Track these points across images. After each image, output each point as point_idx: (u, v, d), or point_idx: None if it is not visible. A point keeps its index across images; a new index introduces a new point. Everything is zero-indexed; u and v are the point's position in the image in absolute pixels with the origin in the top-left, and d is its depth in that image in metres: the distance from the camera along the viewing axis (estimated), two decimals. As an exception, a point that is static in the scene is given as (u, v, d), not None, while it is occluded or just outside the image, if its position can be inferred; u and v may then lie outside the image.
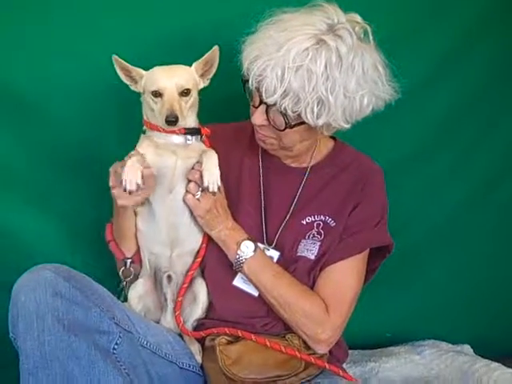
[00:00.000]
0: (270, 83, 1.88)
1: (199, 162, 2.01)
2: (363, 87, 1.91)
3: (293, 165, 2.20)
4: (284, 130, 1.97)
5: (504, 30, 2.61)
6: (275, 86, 1.88)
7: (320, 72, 1.86)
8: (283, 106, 1.90)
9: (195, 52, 2.07)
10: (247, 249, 2.06)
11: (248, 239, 2.07)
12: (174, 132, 2.02)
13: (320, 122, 1.92)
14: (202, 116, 2.12)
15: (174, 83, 1.96)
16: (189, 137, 2.05)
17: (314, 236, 2.12)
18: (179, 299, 2.10)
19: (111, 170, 1.98)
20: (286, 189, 2.18)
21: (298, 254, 2.11)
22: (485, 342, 2.80)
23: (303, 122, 1.95)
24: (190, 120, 2.06)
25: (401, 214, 2.39)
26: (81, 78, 2.37)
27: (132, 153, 2.00)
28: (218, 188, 1.98)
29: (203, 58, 2.03)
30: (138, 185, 1.89)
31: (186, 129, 2.04)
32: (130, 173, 1.89)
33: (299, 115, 1.92)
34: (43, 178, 2.46)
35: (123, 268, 2.15)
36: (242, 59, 1.98)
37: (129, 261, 2.15)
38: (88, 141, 2.45)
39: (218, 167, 1.99)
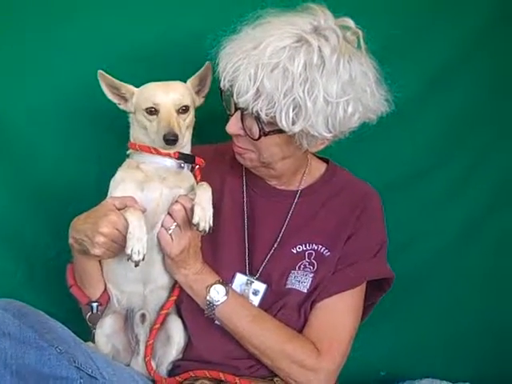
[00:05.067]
0: (242, 82, 1.75)
1: (185, 195, 1.86)
2: (348, 93, 1.76)
3: (280, 187, 2.05)
4: (259, 138, 1.81)
5: (504, 41, 2.51)
6: (247, 86, 1.74)
7: (297, 72, 1.72)
8: (255, 108, 1.75)
9: (182, 66, 2.02)
10: (217, 294, 1.90)
11: (218, 283, 1.91)
12: (167, 155, 1.87)
13: (296, 128, 1.75)
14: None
15: (170, 99, 1.84)
16: (182, 163, 1.90)
17: (305, 267, 1.97)
18: (150, 342, 1.95)
19: (109, 217, 1.80)
20: (273, 213, 2.04)
21: (288, 286, 1.97)
22: (486, 379, 2.63)
23: (280, 131, 1.79)
24: (187, 143, 1.93)
25: (393, 240, 2.23)
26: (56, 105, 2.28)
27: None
28: (209, 228, 1.80)
29: (197, 74, 1.93)
30: (144, 255, 1.76)
31: (180, 153, 1.88)
32: (138, 242, 1.75)
33: (274, 120, 1.76)
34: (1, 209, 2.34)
35: (90, 313, 1.98)
36: (218, 61, 1.84)
37: (95, 304, 1.97)
38: (51, 174, 2.34)
39: (211, 204, 1.83)
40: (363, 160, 2.39)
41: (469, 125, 2.55)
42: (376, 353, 2.59)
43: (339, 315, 1.95)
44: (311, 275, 1.95)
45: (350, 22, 1.83)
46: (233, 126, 1.86)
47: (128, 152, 1.93)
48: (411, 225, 2.57)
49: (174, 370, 1.98)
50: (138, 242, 1.74)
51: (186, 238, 1.86)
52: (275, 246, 1.99)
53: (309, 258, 1.97)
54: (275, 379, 1.91)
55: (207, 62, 1.91)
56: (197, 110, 1.95)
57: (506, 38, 2.51)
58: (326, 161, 2.12)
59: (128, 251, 1.73)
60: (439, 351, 2.65)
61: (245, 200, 2.05)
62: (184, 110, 1.85)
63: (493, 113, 2.55)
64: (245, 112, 1.80)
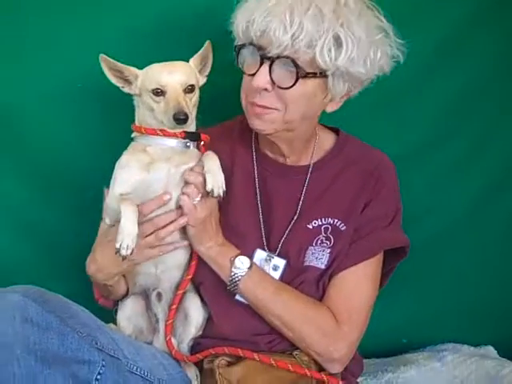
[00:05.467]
0: (278, 26, 1.73)
1: (198, 165, 1.85)
2: (374, 34, 1.81)
3: (291, 164, 2.02)
4: (294, 83, 1.77)
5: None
6: (284, 29, 1.72)
7: (330, 11, 1.74)
8: (294, 49, 1.74)
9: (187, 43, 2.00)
10: (242, 264, 1.88)
11: (241, 254, 1.90)
12: (174, 135, 1.85)
13: (339, 62, 1.75)
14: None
15: (176, 79, 1.81)
16: (188, 142, 1.88)
17: (322, 242, 1.95)
18: (169, 322, 1.94)
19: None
20: (286, 190, 2.01)
21: (306, 263, 1.95)
22: (508, 342, 2.63)
23: (315, 74, 1.78)
24: (192, 122, 1.89)
25: (411, 210, 2.24)
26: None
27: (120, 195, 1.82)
28: (223, 192, 1.82)
29: (198, 53, 1.91)
30: (133, 250, 1.74)
31: (186, 132, 1.86)
32: (128, 237, 1.73)
33: (311, 62, 1.76)
34: (19, 198, 2.35)
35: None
36: (236, 22, 1.84)
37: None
38: (66, 161, 2.34)
39: (221, 169, 1.83)
40: (373, 133, 2.33)
41: (479, 96, 2.52)
42: (397, 321, 2.60)
43: (357, 286, 1.94)
44: (328, 251, 1.94)
45: None
46: (261, 78, 1.79)
47: (132, 135, 1.91)
48: (427, 193, 2.56)
49: (196, 347, 1.99)
50: (128, 237, 1.72)
51: (207, 205, 1.85)
52: (292, 222, 1.97)
53: (325, 233, 1.95)
54: (294, 353, 1.90)
55: (207, 41, 1.89)
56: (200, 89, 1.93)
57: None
58: (335, 131, 2.09)
59: (117, 245, 1.71)
60: (460, 316, 2.65)
61: (256, 179, 2.02)
62: (190, 89, 1.82)
63: (501, 84, 2.52)
64: (277, 60, 1.77)
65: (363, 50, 1.77)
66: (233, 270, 1.88)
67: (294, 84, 1.77)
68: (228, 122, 2.09)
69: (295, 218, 1.98)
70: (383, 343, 2.57)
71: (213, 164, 1.83)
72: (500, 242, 2.64)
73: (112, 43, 2.12)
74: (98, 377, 1.65)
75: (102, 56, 1.84)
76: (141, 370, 1.82)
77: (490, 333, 2.67)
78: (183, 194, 1.84)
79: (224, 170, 1.85)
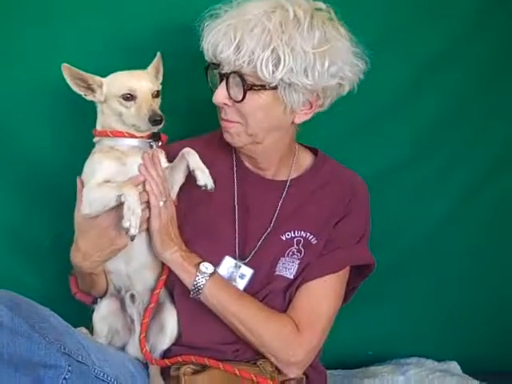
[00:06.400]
0: (224, 41, 1.84)
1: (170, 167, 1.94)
2: (323, 46, 1.84)
3: (270, 177, 2.09)
4: (244, 97, 1.85)
5: (494, 33, 2.54)
6: (229, 43, 1.83)
7: (274, 27, 1.82)
8: (238, 63, 1.82)
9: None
10: (207, 269, 1.92)
11: (205, 261, 1.94)
12: (140, 137, 1.92)
13: (277, 75, 1.82)
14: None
15: (145, 84, 1.89)
16: (152, 142, 1.94)
17: (293, 254, 2.01)
18: (145, 321, 1.96)
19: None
20: (263, 202, 2.06)
21: (277, 272, 2.00)
22: (472, 358, 2.68)
23: (263, 86, 1.85)
24: None
25: (383, 226, 2.30)
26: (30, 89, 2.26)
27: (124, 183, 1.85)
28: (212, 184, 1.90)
29: (153, 63, 2.01)
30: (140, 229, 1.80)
31: (151, 133, 1.93)
32: (136, 217, 1.77)
33: (256, 74, 1.83)
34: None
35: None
36: (202, 43, 1.93)
37: (99, 299, 2.04)
38: (40, 155, 2.35)
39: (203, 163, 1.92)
40: (353, 149, 2.43)
41: (452, 119, 2.56)
42: (363, 333, 2.63)
43: (320, 297, 1.99)
44: (297, 262, 1.99)
45: (322, 5, 1.91)
46: (219, 95, 1.90)
47: (95, 140, 1.94)
48: (399, 211, 2.60)
49: (166, 353, 2.00)
50: (134, 217, 1.76)
51: (169, 210, 1.90)
52: (266, 233, 2.02)
53: (297, 245, 2.00)
54: (258, 362, 1.94)
55: (158, 53, 1.99)
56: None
57: (494, 30, 2.52)
58: (314, 151, 2.15)
59: (126, 224, 1.75)
60: (426, 331, 2.69)
61: (236, 189, 2.07)
62: (156, 94, 1.90)
63: (475, 107, 2.57)
64: (230, 76, 1.86)
65: (305, 62, 1.82)
66: (197, 274, 1.91)
67: (243, 97, 1.85)
68: (211, 132, 2.15)
69: (269, 229, 2.03)
70: (349, 354, 2.60)
71: (197, 160, 1.92)
72: (466, 260, 2.68)
73: (91, 51, 2.20)
74: (64, 382, 1.66)
75: (65, 65, 1.88)
76: (107, 376, 1.83)
77: (454, 348, 2.70)
78: (149, 193, 1.86)
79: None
